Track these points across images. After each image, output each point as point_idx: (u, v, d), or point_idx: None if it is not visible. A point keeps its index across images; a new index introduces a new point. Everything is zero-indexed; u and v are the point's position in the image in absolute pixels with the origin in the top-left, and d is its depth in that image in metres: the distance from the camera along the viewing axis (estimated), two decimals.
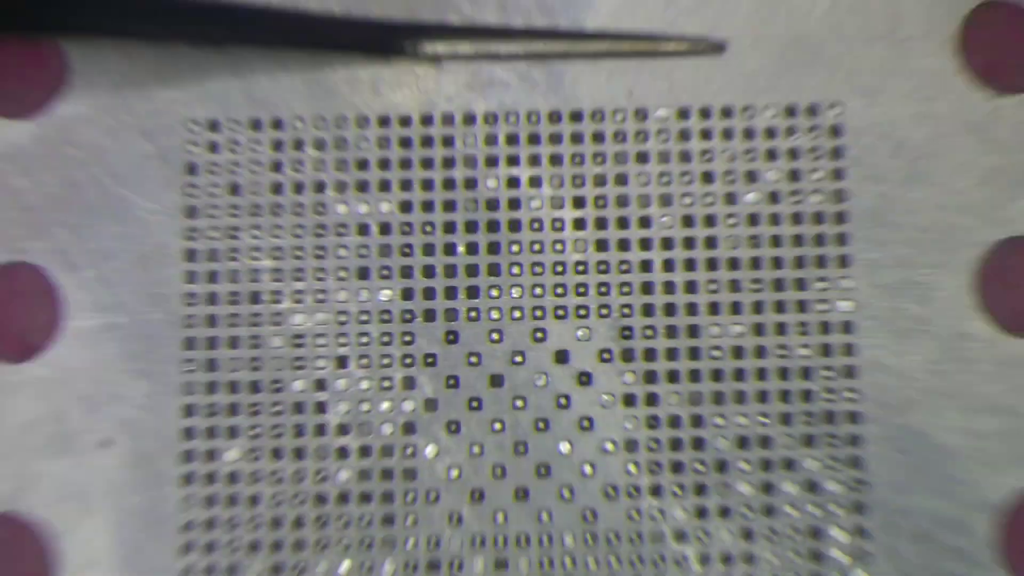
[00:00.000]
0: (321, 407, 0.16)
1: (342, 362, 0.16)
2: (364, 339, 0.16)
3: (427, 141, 0.16)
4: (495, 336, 0.16)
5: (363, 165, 0.16)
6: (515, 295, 0.16)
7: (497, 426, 0.16)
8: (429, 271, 0.16)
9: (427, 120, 0.17)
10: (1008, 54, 0.17)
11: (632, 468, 0.16)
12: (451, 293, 0.16)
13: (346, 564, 0.16)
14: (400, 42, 0.16)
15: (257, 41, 0.16)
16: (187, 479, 0.16)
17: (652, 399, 0.16)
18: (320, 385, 0.16)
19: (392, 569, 0.16)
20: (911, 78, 0.16)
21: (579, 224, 0.16)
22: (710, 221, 0.16)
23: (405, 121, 0.17)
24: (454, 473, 0.16)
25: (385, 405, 0.16)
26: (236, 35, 0.16)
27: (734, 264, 0.16)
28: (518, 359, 0.16)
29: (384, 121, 0.17)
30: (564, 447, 0.16)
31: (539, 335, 0.16)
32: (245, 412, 0.16)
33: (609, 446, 0.16)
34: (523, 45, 0.16)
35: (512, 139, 0.16)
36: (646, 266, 0.16)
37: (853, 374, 0.16)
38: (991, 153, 0.16)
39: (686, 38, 0.16)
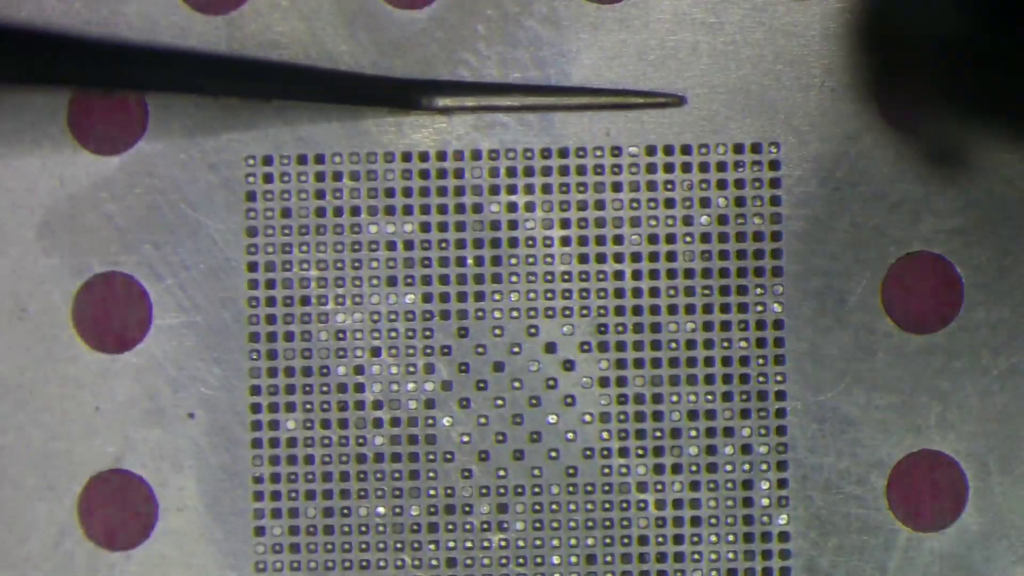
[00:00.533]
0: (359, 387, 0.20)
1: (376, 352, 0.20)
2: (393, 334, 0.20)
3: (442, 173, 0.20)
4: (497, 331, 0.20)
5: (390, 193, 0.20)
6: (513, 299, 0.20)
7: (499, 402, 0.20)
8: (444, 279, 0.20)
9: (441, 156, 0.20)
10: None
11: (605, 435, 0.20)
12: (462, 297, 0.20)
13: (381, 508, 0.20)
14: (416, 97, 0.20)
15: (303, 95, 0.20)
16: (255, 443, 0.20)
17: (622, 381, 0.20)
18: (358, 370, 0.20)
19: (417, 512, 0.20)
20: (837, 121, 0.20)
21: (565, 241, 0.20)
22: (671, 239, 0.20)
23: (423, 157, 0.20)
24: (465, 439, 0.20)
25: (411, 386, 0.20)
26: (286, 90, 0.20)
27: (689, 274, 0.20)
28: (516, 350, 0.20)
29: (407, 157, 0.20)
30: (552, 419, 0.20)
31: (532, 331, 0.20)
32: (300, 391, 0.20)
33: (587, 418, 0.20)
34: (519, 99, 0.20)
35: (511, 172, 0.20)
36: (618, 275, 0.20)
37: (781, 362, 0.20)
38: (900, 184, 0.20)
39: (653, 93, 0.20)
